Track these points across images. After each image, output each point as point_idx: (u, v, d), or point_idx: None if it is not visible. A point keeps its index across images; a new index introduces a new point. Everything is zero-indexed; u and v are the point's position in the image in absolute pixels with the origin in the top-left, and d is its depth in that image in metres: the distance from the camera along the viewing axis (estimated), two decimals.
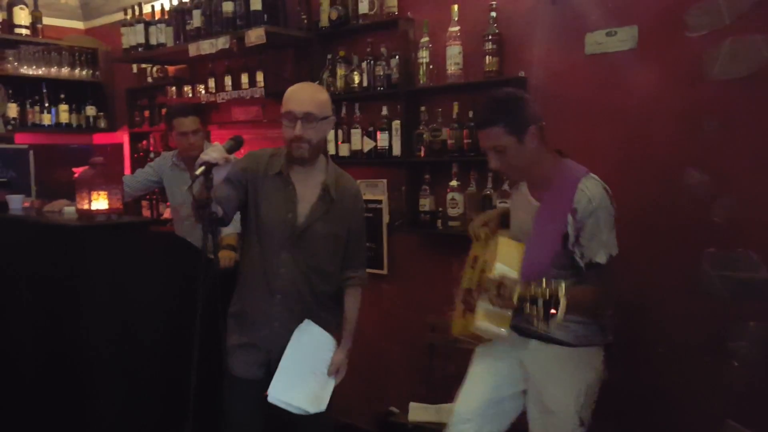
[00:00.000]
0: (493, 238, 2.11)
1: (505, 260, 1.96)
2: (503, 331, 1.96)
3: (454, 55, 2.97)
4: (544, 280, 1.73)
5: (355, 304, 2.30)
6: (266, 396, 2.08)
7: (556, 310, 1.67)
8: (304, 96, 2.08)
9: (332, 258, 2.21)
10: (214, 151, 1.89)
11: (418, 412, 2.97)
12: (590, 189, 1.93)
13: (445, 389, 3.08)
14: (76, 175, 3.05)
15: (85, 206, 2.77)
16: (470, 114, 2.97)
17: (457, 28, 2.95)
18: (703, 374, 2.41)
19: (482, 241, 2.19)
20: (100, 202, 2.75)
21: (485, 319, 1.96)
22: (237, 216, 2.19)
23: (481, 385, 2.15)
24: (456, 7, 2.96)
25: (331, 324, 2.24)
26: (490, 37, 2.86)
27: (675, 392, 2.47)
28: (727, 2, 2.31)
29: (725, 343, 2.36)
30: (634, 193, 2.54)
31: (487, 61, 2.88)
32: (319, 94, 2.13)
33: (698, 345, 2.43)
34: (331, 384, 2.20)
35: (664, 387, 2.49)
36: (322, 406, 2.15)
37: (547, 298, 1.68)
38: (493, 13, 2.85)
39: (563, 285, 1.68)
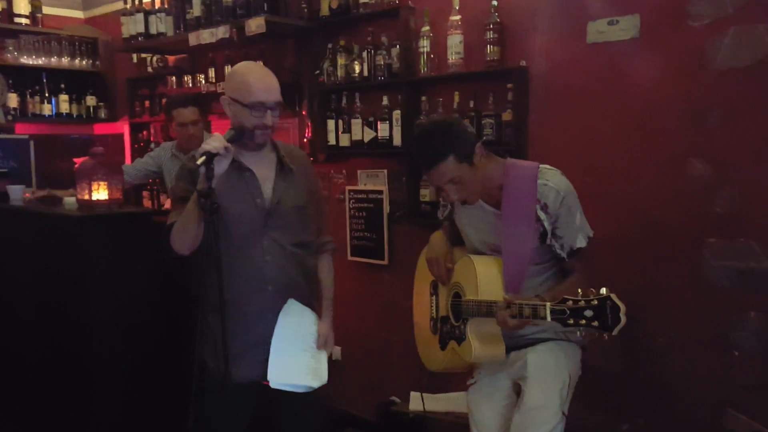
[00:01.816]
0: (460, 260, 2.08)
1: (486, 278, 1.94)
2: (502, 350, 1.96)
3: (455, 44, 2.95)
4: (579, 290, 1.67)
5: (330, 271, 2.27)
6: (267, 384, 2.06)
7: (615, 315, 1.59)
8: (272, 84, 2.03)
9: (306, 227, 2.17)
10: (215, 141, 1.87)
11: (420, 401, 2.97)
12: (553, 180, 1.92)
13: (446, 379, 3.09)
14: (76, 166, 3.05)
15: (86, 197, 2.78)
16: (471, 104, 2.96)
17: (458, 17, 2.93)
18: (704, 364, 2.41)
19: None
20: (100, 192, 2.76)
21: (481, 347, 1.95)
22: None
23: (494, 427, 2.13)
24: None
25: (314, 298, 2.21)
26: (491, 26, 2.84)
27: (676, 382, 2.48)
28: None
29: (726, 334, 2.36)
30: (636, 183, 2.54)
31: (488, 51, 2.86)
32: (275, 79, 2.07)
33: (699, 335, 2.43)
34: (324, 356, 2.17)
35: (665, 377, 2.50)
36: (323, 378, 2.13)
37: (595, 303, 1.61)
38: (495, 2, 2.83)
39: (604, 289, 1.63)
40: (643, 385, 2.53)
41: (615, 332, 1.60)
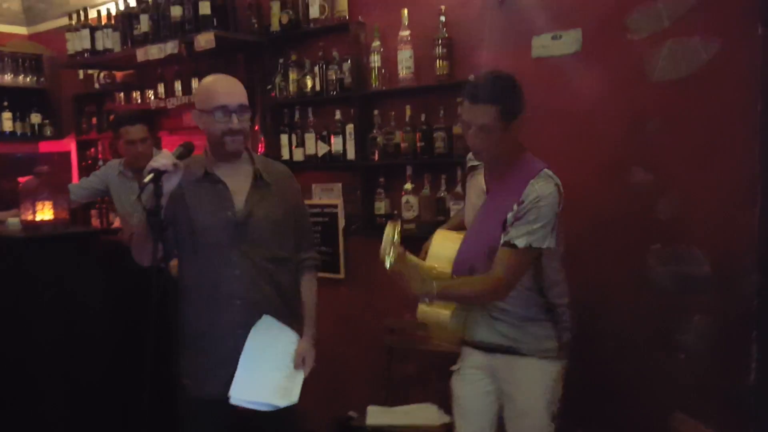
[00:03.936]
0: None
1: (437, 251, 2.06)
2: (446, 314, 2.02)
3: (405, 59, 2.99)
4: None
5: (311, 288, 2.25)
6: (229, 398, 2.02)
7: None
8: (234, 88, 2.05)
9: (282, 242, 2.14)
10: (163, 158, 1.85)
11: (377, 415, 2.97)
12: (540, 187, 1.94)
13: (404, 392, 3.10)
14: (20, 185, 2.96)
15: (30, 217, 2.70)
16: (422, 117, 3.00)
17: (407, 33, 2.97)
18: (651, 367, 2.48)
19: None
20: (45, 212, 2.69)
21: (427, 307, 2.03)
22: None
23: (474, 416, 2.20)
24: (406, 11, 2.97)
25: (294, 323, 2.18)
26: (440, 41, 2.89)
27: (624, 385, 2.54)
28: (666, 6, 2.39)
29: (672, 337, 2.44)
30: (581, 192, 2.58)
31: (438, 65, 2.91)
32: (240, 84, 2.09)
33: (646, 339, 2.50)
34: (299, 376, 2.15)
35: (614, 380, 2.55)
36: (293, 398, 2.10)
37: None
38: (443, 17, 2.88)
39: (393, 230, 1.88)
40: (592, 389, 2.57)
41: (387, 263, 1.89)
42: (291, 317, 2.16)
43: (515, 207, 1.94)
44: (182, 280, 2.13)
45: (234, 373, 2.03)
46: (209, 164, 2.07)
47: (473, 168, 2.21)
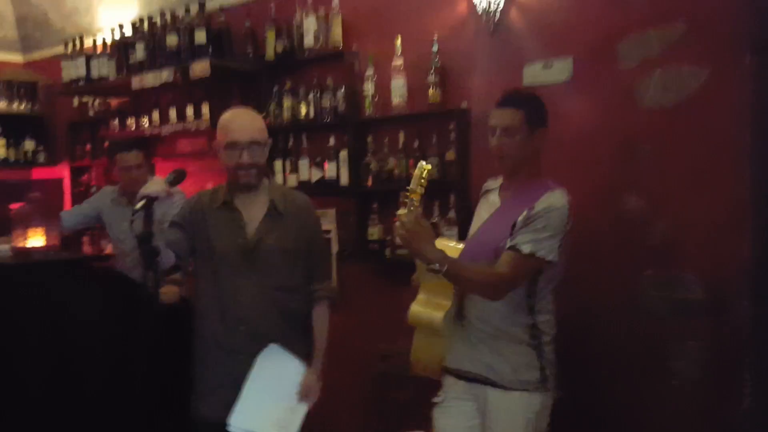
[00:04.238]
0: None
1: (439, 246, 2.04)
2: (439, 317, 2.01)
3: (398, 86, 3.02)
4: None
5: (323, 320, 2.23)
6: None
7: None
8: (246, 124, 2.11)
9: (292, 272, 2.17)
10: (155, 185, 1.89)
11: None
12: (553, 198, 1.97)
13: (398, 418, 3.07)
14: (12, 212, 2.96)
15: (21, 243, 2.69)
16: (416, 144, 3.02)
17: (400, 61, 3.01)
18: (644, 393, 2.46)
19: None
20: (36, 238, 2.68)
21: (420, 308, 2.06)
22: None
23: None
24: (399, 40, 3.02)
25: (302, 353, 2.17)
26: (432, 70, 2.92)
27: (617, 411, 2.52)
28: (656, 34, 2.43)
29: (665, 362, 2.43)
30: (574, 219, 2.61)
31: (430, 93, 2.94)
32: (257, 120, 2.17)
33: (639, 364, 2.48)
34: (301, 409, 2.14)
35: (607, 406, 2.54)
36: (292, 431, 2.09)
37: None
38: (435, 47, 2.92)
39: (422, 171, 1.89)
40: (586, 414, 2.55)
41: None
42: (298, 346, 2.16)
43: (525, 212, 1.96)
44: (198, 303, 2.20)
45: (231, 397, 2.04)
46: (229, 193, 2.14)
47: (488, 191, 2.22)
